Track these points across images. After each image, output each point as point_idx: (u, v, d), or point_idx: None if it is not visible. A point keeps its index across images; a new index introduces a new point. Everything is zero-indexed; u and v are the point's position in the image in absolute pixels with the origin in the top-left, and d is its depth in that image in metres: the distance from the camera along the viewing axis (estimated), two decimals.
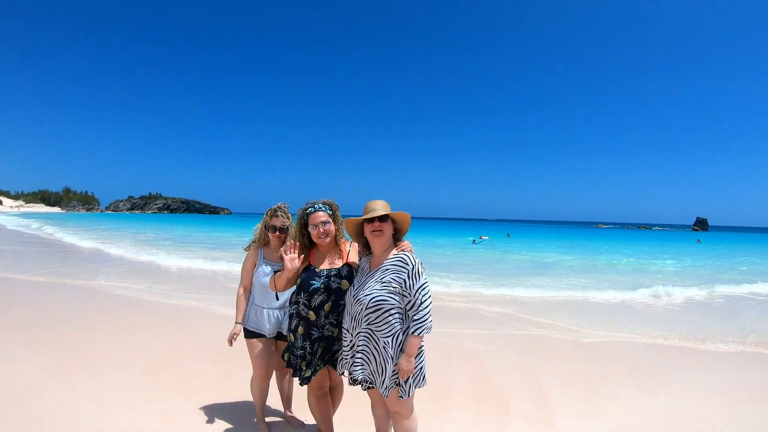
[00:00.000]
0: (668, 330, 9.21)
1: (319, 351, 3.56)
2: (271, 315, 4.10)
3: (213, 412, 4.64)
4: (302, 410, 4.48)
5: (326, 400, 3.90)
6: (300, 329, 3.57)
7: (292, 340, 3.65)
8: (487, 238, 52.51)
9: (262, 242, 4.24)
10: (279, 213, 4.10)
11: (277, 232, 4.10)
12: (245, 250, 4.33)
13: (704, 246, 51.37)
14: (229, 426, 4.38)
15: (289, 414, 4.53)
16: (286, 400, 4.52)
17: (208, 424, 4.38)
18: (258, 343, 4.12)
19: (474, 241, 47.67)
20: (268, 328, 4.10)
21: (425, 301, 3.20)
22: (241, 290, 4.22)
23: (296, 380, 3.78)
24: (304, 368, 3.57)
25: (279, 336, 4.19)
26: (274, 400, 4.71)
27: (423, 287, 3.22)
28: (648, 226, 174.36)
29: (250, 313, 4.17)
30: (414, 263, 3.26)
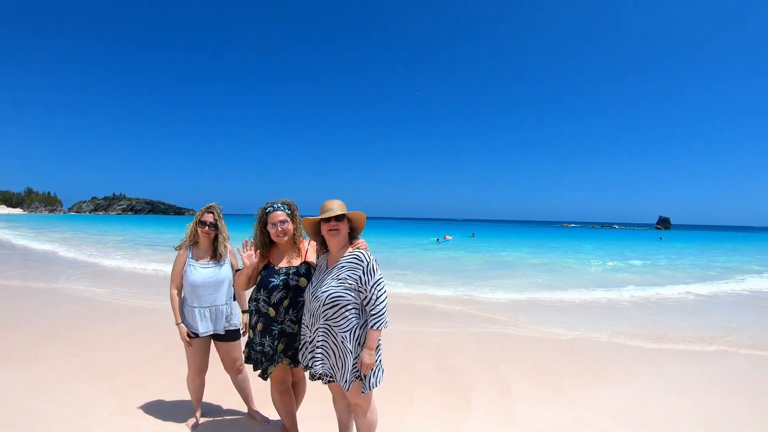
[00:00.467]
0: (629, 328, 9.41)
1: (281, 347, 3.66)
2: (202, 314, 4.14)
3: (178, 410, 4.69)
4: (266, 406, 4.54)
5: (289, 396, 4.00)
6: (259, 326, 3.67)
7: (252, 336, 3.76)
8: (451, 237, 52.78)
9: (191, 241, 4.28)
10: (212, 210, 4.20)
11: (207, 228, 4.16)
12: (176, 249, 4.35)
13: (666, 244, 52.85)
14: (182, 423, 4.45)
15: (253, 410, 4.57)
16: (246, 397, 4.53)
17: (174, 423, 4.43)
18: (191, 342, 4.19)
19: (438, 240, 47.97)
20: (199, 327, 4.14)
21: (381, 296, 3.32)
22: (174, 291, 4.26)
23: (257, 376, 3.84)
24: (263, 361, 3.67)
25: (218, 336, 4.27)
26: (237, 399, 4.78)
27: (378, 283, 3.34)
28: (611, 225, 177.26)
29: (183, 313, 4.22)
30: (369, 260, 3.37)
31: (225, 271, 4.26)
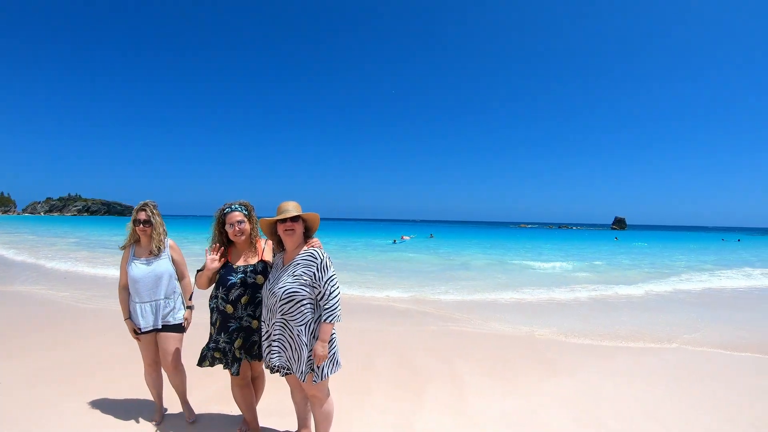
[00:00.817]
0: (582, 325, 9.79)
1: (239, 341, 3.82)
2: (143, 309, 4.23)
3: (143, 407, 4.76)
4: (227, 401, 4.72)
5: (249, 390, 4.13)
6: (218, 322, 3.84)
7: (212, 332, 3.92)
8: (409, 238, 52.84)
9: (132, 240, 4.36)
10: (146, 207, 4.26)
11: (141, 225, 4.23)
12: (121, 248, 4.43)
13: (621, 243, 54.37)
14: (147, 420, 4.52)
15: (185, 407, 4.54)
16: (179, 393, 4.49)
17: (139, 420, 4.49)
18: (140, 338, 4.29)
19: (395, 241, 47.94)
20: (141, 323, 4.22)
21: (334, 291, 3.55)
22: (121, 289, 4.36)
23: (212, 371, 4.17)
24: (219, 357, 3.86)
25: (159, 330, 4.30)
26: (205, 394, 5.03)
27: (331, 279, 3.56)
28: (568, 226, 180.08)
29: (130, 310, 4.30)
30: (322, 257, 3.59)
31: (163, 266, 4.32)
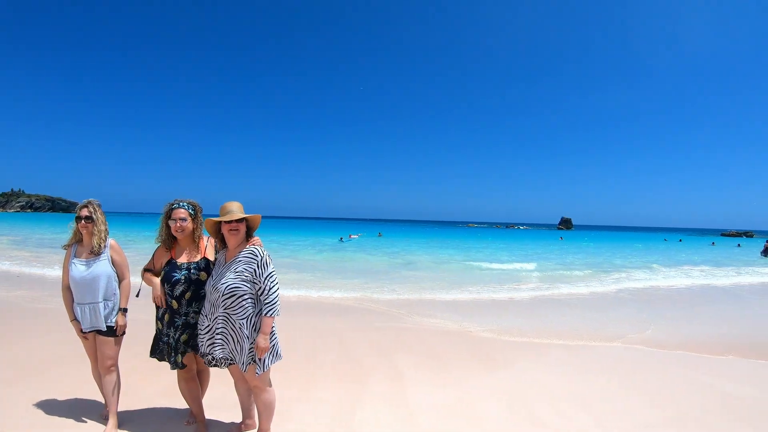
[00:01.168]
0: (521, 322, 10.16)
1: (184, 337, 3.99)
2: (82, 309, 4.18)
3: (93, 405, 4.81)
4: (175, 395, 4.68)
5: (195, 383, 4.28)
6: (166, 317, 4.01)
7: (160, 327, 4.09)
8: (357, 236, 52.78)
9: (76, 239, 4.32)
10: (89, 205, 4.24)
11: (83, 221, 4.19)
12: (64, 248, 4.39)
13: (565, 243, 56.18)
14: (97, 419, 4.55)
15: (112, 414, 4.36)
16: (108, 398, 4.39)
17: (88, 418, 4.53)
18: (83, 337, 4.30)
19: (341, 239, 47.72)
20: (82, 324, 4.20)
21: (273, 286, 3.78)
22: (64, 289, 4.30)
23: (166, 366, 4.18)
24: (173, 354, 3.99)
25: (98, 332, 4.23)
26: (155, 388, 5.16)
27: (270, 275, 3.80)
28: (516, 225, 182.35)
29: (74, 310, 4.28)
30: (262, 255, 3.82)
31: (102, 267, 4.22)
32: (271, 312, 3.76)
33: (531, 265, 25.02)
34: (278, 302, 3.82)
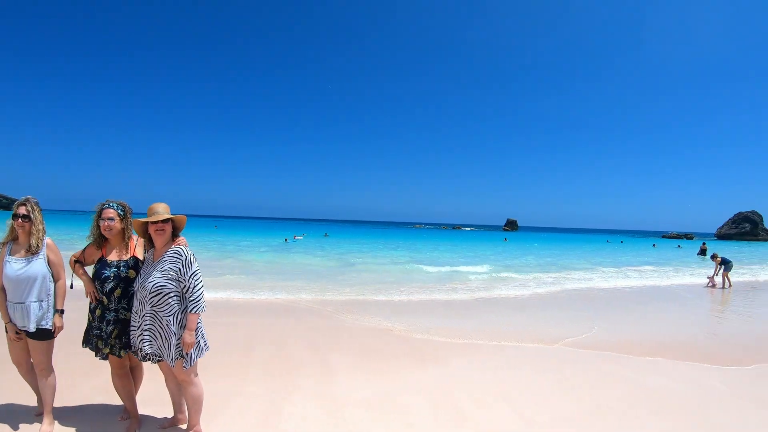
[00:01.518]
0: (453, 323, 10.25)
1: (114, 332, 4.15)
2: (14, 309, 4.16)
3: (21, 409, 4.81)
4: (109, 392, 4.80)
5: (128, 379, 4.45)
6: (97, 311, 4.17)
7: (91, 320, 4.25)
8: (302, 237, 52.45)
9: (11, 236, 4.27)
10: (27, 203, 4.21)
11: (20, 219, 4.15)
12: None
13: (510, 244, 56.94)
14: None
15: (46, 416, 4.34)
16: (44, 401, 4.36)
17: (21, 423, 4.48)
18: (17, 338, 4.26)
19: (286, 240, 47.41)
20: (16, 322, 4.18)
21: (197, 284, 4.00)
22: None
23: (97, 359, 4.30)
24: (101, 346, 4.17)
25: (29, 334, 4.21)
26: (91, 384, 5.28)
27: (195, 274, 4.02)
28: (462, 227, 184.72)
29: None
30: (187, 254, 4.03)
31: (37, 267, 4.20)
32: (195, 309, 3.95)
33: (472, 267, 25.01)
34: (203, 299, 4.03)
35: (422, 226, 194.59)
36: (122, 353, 4.22)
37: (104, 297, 4.14)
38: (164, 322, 3.93)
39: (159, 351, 4.01)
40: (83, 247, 4.41)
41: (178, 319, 3.97)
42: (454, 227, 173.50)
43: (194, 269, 4.01)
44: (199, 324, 4.12)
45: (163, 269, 3.96)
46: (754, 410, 5.60)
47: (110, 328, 4.14)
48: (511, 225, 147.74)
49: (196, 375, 4.20)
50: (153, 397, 5.01)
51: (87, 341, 4.32)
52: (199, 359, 4.17)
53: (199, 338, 4.11)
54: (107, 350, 4.16)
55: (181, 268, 3.96)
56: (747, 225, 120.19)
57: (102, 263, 4.21)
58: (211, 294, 12.57)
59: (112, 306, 4.15)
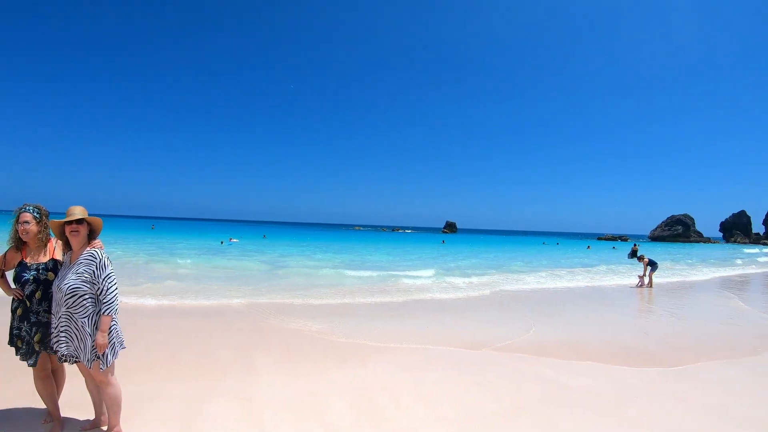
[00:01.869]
0: (382, 328, 10.21)
1: (37, 336, 4.24)
2: None
3: None
4: (33, 395, 4.79)
5: (50, 381, 4.49)
6: (19, 311, 4.26)
7: (12, 319, 4.31)
8: (237, 240, 51.49)
9: None
10: None
11: None
12: None
13: (447, 246, 57.63)
14: None
15: None
16: None
17: None
18: None
19: (222, 242, 46.48)
20: None
21: (111, 287, 4.10)
22: None
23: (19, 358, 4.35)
24: (21, 346, 4.25)
25: None
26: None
27: (108, 276, 4.10)
28: (402, 229, 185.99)
29: None
30: (101, 257, 4.12)
31: None
32: (108, 311, 4.05)
33: (407, 269, 24.85)
34: (116, 302, 4.14)
35: (362, 228, 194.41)
36: (40, 353, 4.30)
37: (26, 299, 4.22)
38: (79, 324, 4.02)
39: (76, 352, 4.10)
40: (4, 252, 4.46)
41: (93, 320, 4.07)
42: (394, 229, 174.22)
43: (108, 272, 4.10)
44: (115, 326, 4.25)
45: (78, 271, 4.03)
46: (671, 405, 5.86)
47: (33, 330, 4.24)
48: (450, 227, 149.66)
49: (113, 375, 4.32)
50: (75, 399, 5.03)
51: (12, 340, 4.37)
52: (116, 360, 4.29)
53: (113, 339, 4.20)
54: (36, 356, 4.25)
55: (95, 270, 4.05)
56: (679, 227, 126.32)
57: (22, 266, 4.29)
58: (138, 299, 12.36)
59: (33, 308, 4.24)
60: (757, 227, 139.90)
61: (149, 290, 13.99)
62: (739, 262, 41.93)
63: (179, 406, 5.18)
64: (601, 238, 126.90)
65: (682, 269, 30.70)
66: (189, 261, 24.59)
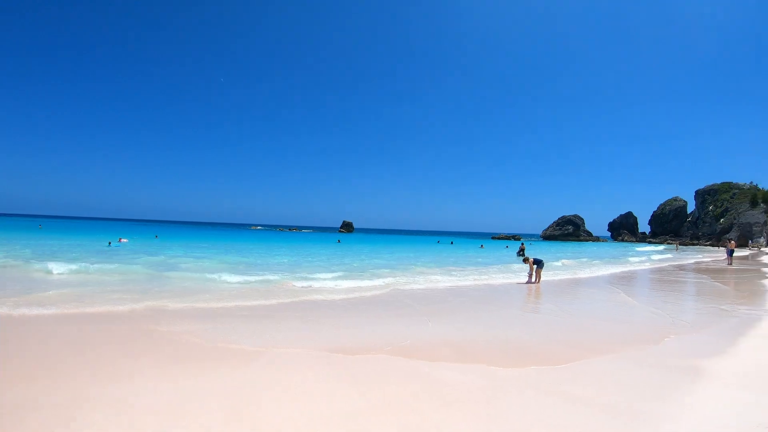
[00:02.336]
0: (261, 330, 10.29)
1: None
2: None
3: None
4: None
5: None
6: None
7: None
8: (126, 240, 49.24)
9: None
10: None
11: None
12: None
13: (341, 246, 58.14)
14: None
15: None
16: None
17: None
18: None
19: (110, 243, 44.14)
20: None
21: None
22: None
23: None
24: None
25: None
26: None
27: None
28: (299, 228, 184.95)
29: None
30: None
31: None
32: None
33: (300, 270, 24.69)
34: None
35: (260, 227, 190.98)
36: None
37: None
38: None
39: None
40: None
41: None
42: (291, 228, 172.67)
43: None
44: None
45: None
46: (542, 398, 6.07)
47: None
48: (347, 227, 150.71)
49: None
50: None
51: None
52: None
53: None
54: None
55: None
56: (570, 227, 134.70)
57: None
58: (12, 309, 11.57)
59: None
60: (644, 227, 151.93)
61: (26, 300, 12.96)
62: (634, 259, 44.74)
63: (49, 414, 5.12)
64: (495, 237, 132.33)
65: (575, 266, 32.44)
66: (71, 264, 22.83)
